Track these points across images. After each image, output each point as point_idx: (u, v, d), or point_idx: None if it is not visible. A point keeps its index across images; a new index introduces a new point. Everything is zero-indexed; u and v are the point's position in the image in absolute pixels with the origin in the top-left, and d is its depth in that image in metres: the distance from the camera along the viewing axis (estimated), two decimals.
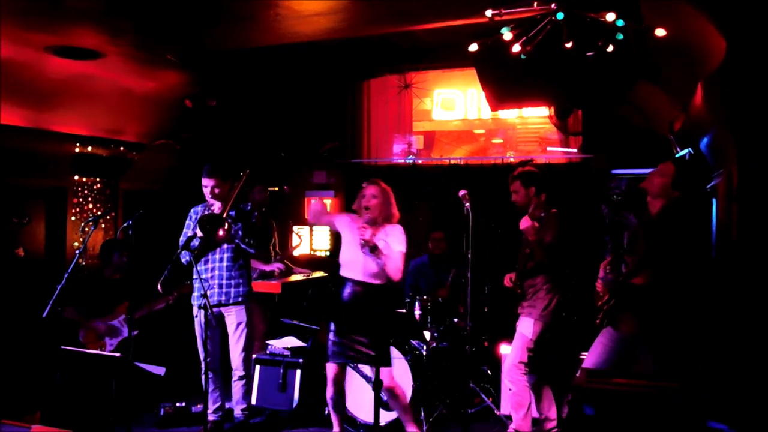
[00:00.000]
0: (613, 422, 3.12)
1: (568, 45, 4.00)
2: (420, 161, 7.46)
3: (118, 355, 3.92)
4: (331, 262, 4.73)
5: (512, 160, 6.90)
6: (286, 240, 7.16)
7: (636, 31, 3.98)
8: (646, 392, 3.10)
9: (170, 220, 5.40)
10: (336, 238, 4.82)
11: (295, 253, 7.19)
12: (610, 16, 3.79)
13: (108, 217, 6.89)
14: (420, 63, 7.08)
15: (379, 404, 3.88)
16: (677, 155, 5.04)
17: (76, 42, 4.98)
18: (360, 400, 5.07)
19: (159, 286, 4.57)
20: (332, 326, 4.48)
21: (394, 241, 4.45)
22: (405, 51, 6.59)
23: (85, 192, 6.72)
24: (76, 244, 6.55)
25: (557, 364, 4.88)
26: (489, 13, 4.00)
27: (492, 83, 5.15)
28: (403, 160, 7.50)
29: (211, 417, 4.91)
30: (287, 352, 5.45)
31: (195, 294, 4.83)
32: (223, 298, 4.84)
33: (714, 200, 4.39)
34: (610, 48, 4.03)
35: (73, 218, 6.59)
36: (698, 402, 3.04)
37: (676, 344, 3.86)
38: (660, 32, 3.85)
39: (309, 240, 7.60)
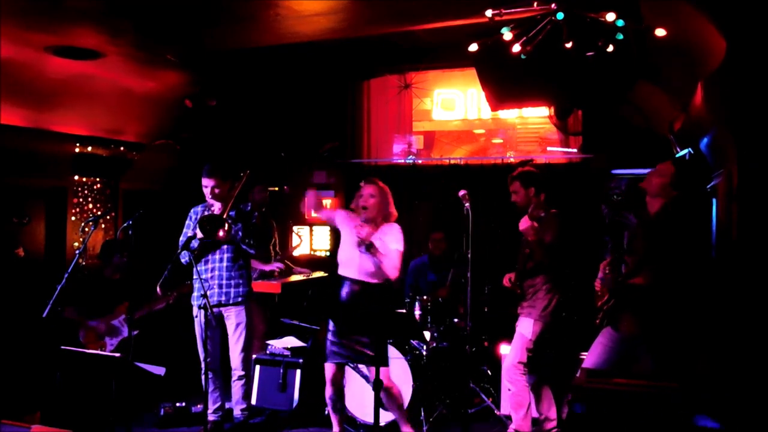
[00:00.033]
0: (613, 422, 3.12)
1: (568, 45, 4.00)
2: (420, 161, 7.46)
3: (118, 355, 3.92)
4: (331, 262, 4.73)
5: (512, 160, 6.90)
6: (286, 240, 7.16)
7: (636, 31, 3.98)
8: (646, 392, 3.10)
9: (170, 220, 5.40)
10: (336, 238, 4.82)
11: (295, 253, 7.19)
12: (610, 16, 3.79)
13: (108, 217, 6.89)
14: (420, 63, 7.08)
15: (379, 404, 3.88)
16: (677, 155, 5.04)
17: (76, 42, 4.98)
18: (360, 400, 5.07)
19: (158, 289, 4.57)
20: (330, 326, 4.48)
21: (391, 239, 4.45)
22: (405, 51, 6.59)
23: (85, 192, 6.72)
24: (76, 244, 6.55)
25: (557, 364, 4.88)
26: (489, 13, 4.00)
27: (492, 83, 5.15)
28: (403, 160, 7.50)
29: (211, 417, 4.91)
30: (287, 352, 5.45)
31: (195, 294, 4.83)
32: (223, 298, 4.84)
33: (714, 200, 4.39)
34: (610, 48, 4.03)
35: (73, 218, 6.59)
36: (698, 402, 3.04)
37: (676, 344, 3.86)
38: (660, 32, 3.85)
39: (309, 240, 7.60)
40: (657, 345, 3.90)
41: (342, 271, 4.56)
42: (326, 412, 4.82)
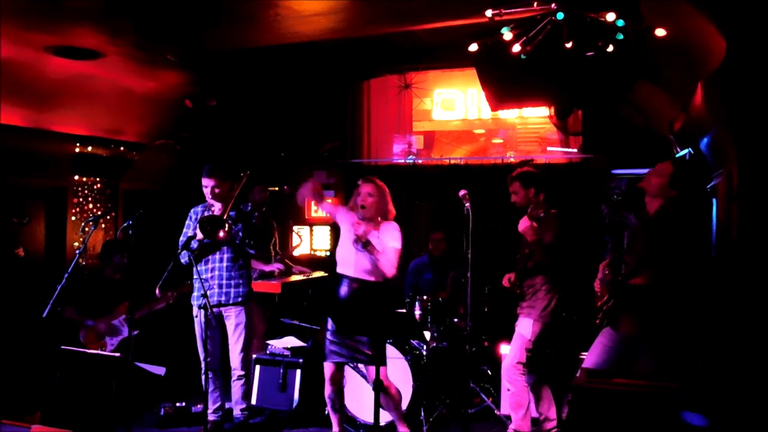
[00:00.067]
0: (613, 422, 3.12)
1: (568, 45, 4.00)
2: (420, 161, 7.46)
3: (118, 355, 3.92)
4: (331, 261, 4.72)
5: (512, 160, 6.90)
6: (286, 240, 7.16)
7: (636, 31, 3.98)
8: (646, 392, 3.10)
9: (170, 220, 5.40)
10: (336, 238, 4.82)
11: (295, 253, 7.19)
12: (610, 16, 3.79)
13: (108, 217, 6.89)
14: (420, 63, 7.08)
15: (379, 404, 3.88)
16: (677, 155, 5.04)
17: (76, 42, 4.98)
18: (360, 400, 5.07)
19: (158, 290, 4.57)
20: (329, 325, 4.49)
21: (389, 238, 4.44)
22: (405, 51, 6.59)
23: (85, 192, 6.72)
24: (76, 244, 6.55)
25: (557, 364, 4.88)
26: (489, 13, 3.99)
27: (492, 83, 5.15)
28: (403, 160, 7.50)
29: (211, 417, 4.91)
30: (287, 352, 5.45)
31: (195, 294, 4.83)
32: (223, 298, 4.84)
33: (714, 200, 4.39)
34: (610, 48, 4.03)
35: (73, 218, 6.59)
36: (698, 402, 3.04)
37: (676, 344, 3.86)
38: (660, 32, 3.85)
39: (309, 240, 7.61)
40: (657, 345, 3.90)
41: (340, 269, 4.57)
42: (326, 412, 4.82)
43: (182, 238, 4.87)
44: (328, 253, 7.40)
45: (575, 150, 6.92)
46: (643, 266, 3.90)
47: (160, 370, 3.93)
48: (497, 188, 5.20)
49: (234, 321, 4.88)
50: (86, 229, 5.81)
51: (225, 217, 4.68)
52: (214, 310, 4.67)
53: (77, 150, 6.48)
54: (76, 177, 6.64)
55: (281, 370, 5.37)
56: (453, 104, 7.87)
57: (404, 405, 4.86)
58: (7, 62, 5.02)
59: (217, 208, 4.82)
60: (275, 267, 5.87)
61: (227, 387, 5.02)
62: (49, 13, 4.44)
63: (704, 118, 4.20)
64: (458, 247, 5.52)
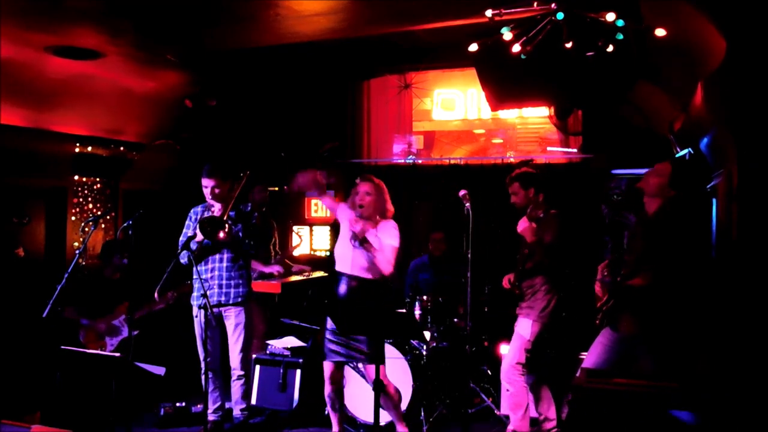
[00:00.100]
0: (613, 422, 3.12)
1: (568, 45, 4.00)
2: (420, 161, 7.46)
3: (118, 355, 3.92)
4: (330, 262, 4.72)
5: (512, 160, 6.90)
6: (286, 240, 7.16)
7: (636, 31, 3.98)
8: (646, 392, 3.10)
9: (170, 220, 5.40)
10: (336, 238, 4.81)
11: (295, 253, 7.19)
12: (610, 16, 3.78)
13: (108, 217, 6.89)
14: (420, 63, 7.08)
15: (379, 404, 3.88)
16: (677, 155, 5.04)
17: (76, 42, 4.98)
18: (360, 399, 5.07)
19: (156, 295, 4.57)
20: (329, 324, 4.49)
21: (386, 235, 4.44)
22: (405, 51, 6.59)
23: (85, 192, 6.72)
24: (76, 244, 6.55)
25: (556, 364, 4.88)
26: (489, 13, 3.99)
27: (492, 83, 5.15)
28: (403, 160, 7.50)
29: (211, 417, 4.91)
30: (287, 352, 5.45)
31: (195, 294, 4.83)
32: (223, 298, 4.84)
33: (714, 200, 4.39)
34: (610, 48, 4.03)
35: (73, 218, 6.59)
36: (698, 402, 3.04)
37: (676, 344, 3.86)
38: (660, 32, 3.85)
39: (309, 240, 7.61)
40: (656, 345, 3.89)
41: (338, 266, 4.57)
42: (326, 412, 4.82)
43: (182, 238, 4.87)
44: (327, 253, 7.40)
45: (575, 150, 6.92)
46: (642, 266, 3.90)
47: (160, 370, 3.93)
48: (497, 188, 5.19)
49: (234, 321, 4.88)
50: (86, 229, 5.81)
51: (225, 218, 4.68)
52: (214, 310, 4.67)
53: (77, 150, 6.48)
54: (76, 177, 6.64)
55: (281, 370, 5.37)
56: (453, 104, 7.87)
57: (404, 405, 4.86)
58: (7, 62, 5.02)
59: (217, 208, 4.82)
60: (275, 269, 5.85)
61: (227, 387, 5.02)
62: (49, 13, 4.44)
63: (704, 118, 4.20)
64: (458, 247, 5.52)
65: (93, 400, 4.33)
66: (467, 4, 4.39)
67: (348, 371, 4.97)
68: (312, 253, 7.55)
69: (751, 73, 3.61)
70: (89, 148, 6.55)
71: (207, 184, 4.79)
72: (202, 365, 4.77)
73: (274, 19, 4.76)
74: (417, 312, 5.63)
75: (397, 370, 5.00)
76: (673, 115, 4.73)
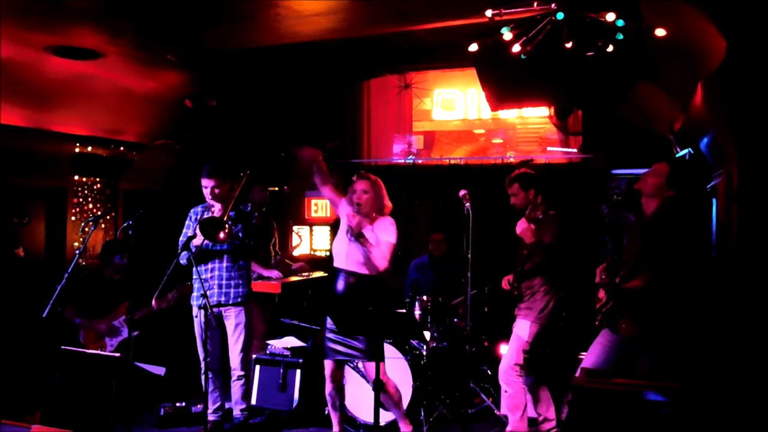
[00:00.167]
0: (613, 422, 3.12)
1: (568, 45, 4.00)
2: (420, 161, 7.46)
3: (118, 355, 3.92)
4: (330, 261, 4.72)
5: (512, 160, 6.90)
6: (286, 240, 7.16)
7: (636, 31, 3.98)
8: (645, 392, 3.10)
9: (170, 220, 5.40)
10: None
11: (295, 253, 7.19)
12: (610, 16, 3.78)
13: (108, 217, 6.89)
14: (420, 63, 7.08)
15: (379, 404, 3.88)
16: (677, 155, 5.04)
17: (76, 42, 4.98)
18: (360, 399, 5.07)
19: (154, 302, 4.56)
20: (329, 323, 4.49)
21: (382, 232, 4.44)
22: (405, 51, 6.58)
23: (85, 192, 6.72)
24: (76, 244, 6.55)
25: (556, 365, 4.88)
26: (489, 13, 3.99)
27: (492, 83, 5.15)
28: (403, 160, 7.50)
29: (211, 417, 4.91)
30: (287, 352, 5.45)
31: (195, 294, 4.83)
32: (223, 298, 4.84)
33: (714, 200, 4.39)
34: (610, 48, 4.03)
35: (73, 218, 6.59)
36: (698, 402, 3.04)
37: (674, 346, 3.85)
38: (660, 32, 3.85)
39: (309, 240, 7.61)
40: (655, 347, 3.89)
41: (336, 262, 4.56)
42: (326, 412, 4.82)
43: (182, 239, 4.86)
44: (327, 253, 7.40)
45: (575, 150, 6.92)
46: (641, 267, 3.90)
47: (160, 370, 3.93)
48: (497, 188, 5.19)
49: (234, 321, 4.88)
50: (86, 229, 5.82)
51: (225, 218, 4.68)
52: (214, 310, 4.67)
53: (77, 150, 6.48)
54: (76, 177, 6.64)
55: (281, 370, 5.37)
56: (453, 104, 7.87)
57: (404, 405, 4.86)
58: (7, 62, 5.02)
59: (216, 208, 4.82)
60: (273, 274, 5.84)
61: (227, 387, 5.02)
62: (49, 13, 4.44)
63: (704, 118, 4.20)
64: (458, 247, 5.52)
65: (93, 400, 4.33)
66: (467, 4, 4.39)
67: (348, 371, 4.97)
68: (312, 253, 7.55)
69: (751, 73, 3.61)
70: (89, 148, 6.55)
71: (207, 184, 4.78)
72: (202, 365, 4.77)
73: (274, 19, 4.76)
74: (417, 312, 5.63)
75: (397, 370, 5.00)
76: (673, 115, 4.73)
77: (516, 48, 4.08)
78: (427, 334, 5.53)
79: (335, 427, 4.65)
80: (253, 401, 5.33)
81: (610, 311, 3.97)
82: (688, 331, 3.88)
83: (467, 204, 4.46)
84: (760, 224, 3.72)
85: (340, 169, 7.49)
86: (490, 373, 5.65)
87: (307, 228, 7.61)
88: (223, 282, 4.84)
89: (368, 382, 4.78)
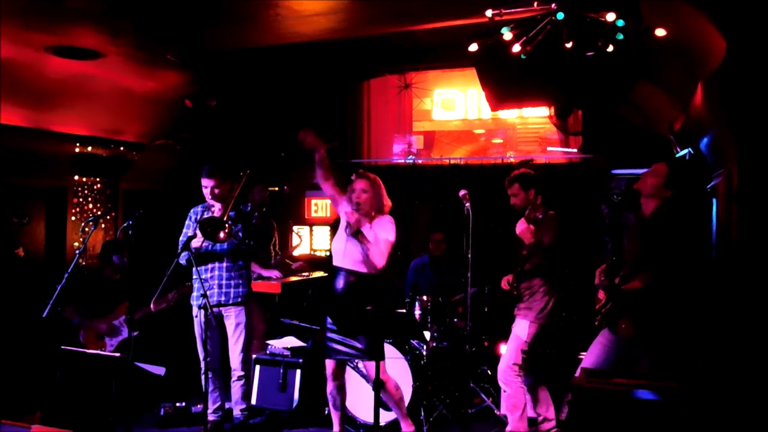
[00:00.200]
0: (613, 422, 3.12)
1: (568, 45, 4.00)
2: (420, 161, 7.46)
3: (118, 355, 3.92)
4: (330, 261, 4.72)
5: (512, 160, 6.90)
6: (286, 240, 7.16)
7: (636, 31, 3.98)
8: (635, 391, 3.11)
9: (170, 220, 5.40)
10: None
11: (295, 253, 7.19)
12: (610, 16, 3.78)
13: (108, 217, 6.89)
14: (420, 63, 7.08)
15: (379, 404, 3.88)
16: (677, 155, 5.04)
17: (76, 42, 4.98)
18: (360, 399, 5.07)
19: (152, 305, 4.55)
20: (329, 322, 4.49)
21: (381, 230, 4.43)
22: (405, 51, 6.58)
23: (85, 192, 6.72)
24: (76, 244, 6.55)
25: (555, 365, 4.88)
26: (489, 13, 3.99)
27: (492, 83, 5.15)
28: (403, 160, 7.50)
29: (211, 417, 4.91)
30: (287, 352, 5.45)
31: (195, 294, 4.83)
32: (223, 298, 4.84)
33: (714, 200, 4.39)
34: (610, 48, 4.03)
35: (73, 218, 6.60)
36: (698, 402, 3.04)
37: (674, 346, 3.85)
38: (660, 32, 3.85)
39: (309, 240, 7.61)
40: (654, 347, 3.89)
41: (335, 260, 4.56)
42: (326, 412, 4.82)
43: (182, 239, 4.86)
44: (327, 253, 7.40)
45: (575, 150, 6.92)
46: (640, 267, 3.90)
47: (160, 370, 3.93)
48: (497, 188, 5.19)
49: (234, 321, 4.88)
50: (86, 229, 5.82)
51: (225, 218, 4.68)
52: (214, 310, 4.67)
53: (77, 150, 6.48)
54: (76, 177, 6.64)
55: (281, 370, 5.37)
56: (453, 104, 7.87)
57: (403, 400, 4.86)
58: (7, 62, 5.02)
59: (216, 208, 4.82)
60: (273, 274, 5.84)
61: (227, 387, 5.02)
62: (49, 13, 4.44)
63: (704, 118, 4.20)
64: (458, 247, 5.52)
65: (93, 400, 4.33)
66: (467, 4, 4.39)
67: (348, 371, 4.97)
68: (312, 253, 7.55)
69: (751, 73, 3.61)
70: (89, 148, 6.56)
71: (207, 184, 4.79)
72: (202, 365, 4.77)
73: (274, 19, 4.76)
74: (417, 312, 5.63)
75: (397, 370, 5.00)
76: (673, 115, 4.73)
77: (516, 48, 4.08)
78: (427, 334, 5.53)
79: (336, 427, 4.65)
80: (253, 401, 5.33)
81: (609, 311, 3.97)
82: (688, 331, 3.88)
83: (467, 204, 4.46)
84: (760, 224, 3.72)
85: (340, 169, 7.50)
86: (490, 373, 5.65)
87: (307, 228, 7.61)
88: (223, 282, 4.84)
89: (368, 381, 4.78)
